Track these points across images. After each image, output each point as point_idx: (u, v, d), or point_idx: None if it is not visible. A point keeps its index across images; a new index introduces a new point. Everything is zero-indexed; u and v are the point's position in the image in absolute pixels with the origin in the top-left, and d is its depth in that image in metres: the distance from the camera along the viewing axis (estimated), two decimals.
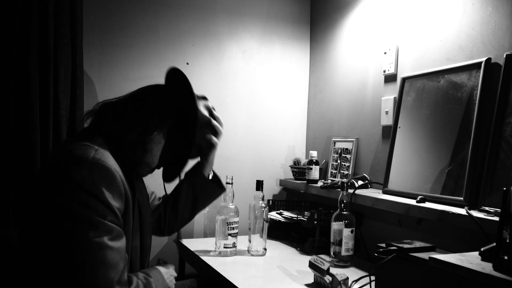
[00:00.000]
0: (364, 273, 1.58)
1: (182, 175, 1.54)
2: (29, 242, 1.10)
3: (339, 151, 2.17)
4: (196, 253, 1.87)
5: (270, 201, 2.34)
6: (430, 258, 0.99)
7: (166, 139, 1.29)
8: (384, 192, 1.77)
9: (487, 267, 0.89)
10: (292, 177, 2.37)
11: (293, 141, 2.52)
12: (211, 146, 1.53)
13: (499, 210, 1.20)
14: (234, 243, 1.86)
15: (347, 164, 2.10)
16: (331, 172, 2.20)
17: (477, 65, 1.49)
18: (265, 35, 2.43)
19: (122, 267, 1.07)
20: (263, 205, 1.88)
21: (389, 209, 1.62)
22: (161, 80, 2.17)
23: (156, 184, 1.52)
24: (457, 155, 1.51)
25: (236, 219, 1.87)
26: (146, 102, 1.28)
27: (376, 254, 1.23)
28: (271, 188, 2.45)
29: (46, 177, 1.11)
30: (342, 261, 1.71)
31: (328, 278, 1.43)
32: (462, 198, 1.43)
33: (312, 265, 1.51)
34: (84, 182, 1.05)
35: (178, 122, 1.30)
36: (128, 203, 1.17)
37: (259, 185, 1.90)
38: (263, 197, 1.90)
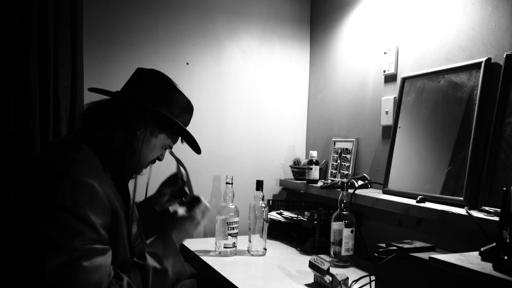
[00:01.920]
0: (364, 273, 1.58)
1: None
2: (11, 253, 1.10)
3: (339, 151, 2.17)
4: (196, 253, 1.87)
5: (270, 201, 2.34)
6: (430, 258, 0.99)
7: (157, 134, 1.26)
8: (384, 192, 1.77)
9: (487, 267, 0.89)
10: (292, 177, 2.37)
11: (293, 141, 2.52)
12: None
13: (499, 210, 1.20)
14: (234, 243, 1.86)
15: (347, 164, 2.10)
16: (331, 172, 2.20)
17: (477, 65, 1.49)
18: (265, 35, 2.43)
19: (105, 284, 1.04)
20: (263, 205, 1.88)
21: (389, 209, 1.62)
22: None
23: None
24: (457, 155, 1.51)
25: (236, 219, 1.87)
26: (124, 102, 1.24)
27: (376, 254, 1.23)
28: (271, 188, 2.45)
29: (29, 192, 1.09)
30: (342, 261, 1.71)
31: (328, 278, 1.43)
32: (462, 198, 1.43)
33: (312, 265, 1.51)
34: (65, 200, 1.02)
35: (158, 117, 1.25)
36: (117, 216, 1.13)
37: (259, 185, 1.90)
38: (263, 197, 1.90)
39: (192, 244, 2.00)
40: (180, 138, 1.36)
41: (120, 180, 1.24)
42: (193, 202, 1.38)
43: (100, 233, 1.06)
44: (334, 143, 2.22)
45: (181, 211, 1.33)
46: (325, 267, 1.45)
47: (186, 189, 1.43)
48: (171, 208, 1.43)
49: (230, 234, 1.85)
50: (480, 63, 1.47)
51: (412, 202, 1.53)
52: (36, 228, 1.02)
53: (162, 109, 1.24)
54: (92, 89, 1.29)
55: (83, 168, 1.08)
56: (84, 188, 1.05)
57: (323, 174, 2.25)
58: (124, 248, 1.18)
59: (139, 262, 1.14)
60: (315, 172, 2.15)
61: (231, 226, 1.85)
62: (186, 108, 1.31)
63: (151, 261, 1.15)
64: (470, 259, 0.95)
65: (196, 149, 1.39)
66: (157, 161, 1.35)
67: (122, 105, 1.23)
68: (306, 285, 1.51)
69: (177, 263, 1.21)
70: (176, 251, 1.23)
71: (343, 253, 1.71)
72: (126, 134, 1.20)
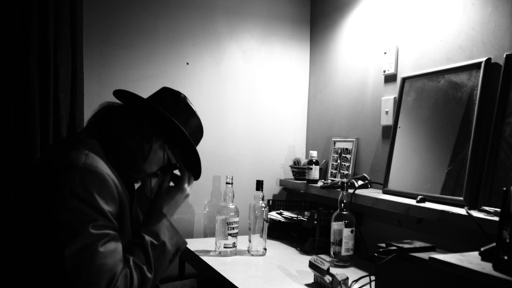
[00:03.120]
0: (364, 273, 1.58)
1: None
2: (21, 245, 1.11)
3: (339, 151, 2.17)
4: (196, 253, 1.87)
5: (270, 201, 2.34)
6: (430, 258, 0.99)
7: (164, 150, 1.30)
8: (384, 192, 1.77)
9: (487, 267, 0.89)
10: (292, 177, 2.37)
11: (293, 141, 2.52)
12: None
13: (499, 210, 1.20)
14: (234, 243, 1.86)
15: (347, 164, 2.10)
16: (331, 172, 2.20)
17: (477, 65, 1.49)
18: (265, 35, 2.43)
19: (120, 268, 1.07)
20: (263, 205, 1.88)
21: (389, 209, 1.62)
22: (161, 80, 2.15)
23: None
24: (457, 155, 1.51)
25: (236, 219, 1.87)
26: (145, 114, 1.28)
27: (376, 254, 1.23)
28: (271, 188, 2.45)
29: (38, 183, 1.11)
30: (342, 261, 1.71)
31: (328, 278, 1.43)
32: (462, 198, 1.44)
33: (312, 265, 1.51)
34: (76, 189, 1.05)
35: (169, 138, 1.30)
36: (124, 206, 1.16)
37: (259, 185, 1.90)
38: (263, 197, 1.90)
39: (192, 244, 2.00)
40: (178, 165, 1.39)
41: (125, 176, 1.25)
42: (173, 169, 1.38)
43: (111, 221, 1.10)
44: (334, 143, 2.22)
45: (166, 183, 1.35)
46: (325, 267, 1.45)
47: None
48: (155, 182, 1.46)
49: (230, 234, 1.85)
50: (480, 63, 1.47)
51: (412, 202, 1.53)
52: (50, 218, 1.04)
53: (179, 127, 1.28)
54: (118, 91, 1.31)
55: (92, 158, 1.11)
56: (93, 176, 1.08)
57: (323, 174, 2.25)
58: (128, 237, 1.20)
59: (137, 241, 1.18)
60: (315, 172, 2.15)
61: (231, 226, 1.85)
62: (198, 133, 1.38)
63: (148, 238, 1.18)
64: (470, 259, 0.95)
65: (196, 173, 1.41)
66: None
67: (143, 110, 1.28)
68: (306, 285, 1.51)
69: (174, 235, 1.25)
70: (170, 224, 1.26)
71: (343, 253, 1.71)
72: (140, 139, 1.25)
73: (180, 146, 1.33)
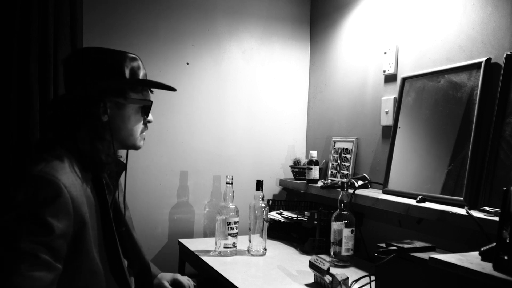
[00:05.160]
0: (364, 273, 1.58)
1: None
2: None
3: (339, 151, 2.17)
4: (196, 253, 1.87)
5: (270, 201, 2.34)
6: (430, 258, 0.99)
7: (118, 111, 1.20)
8: (384, 192, 1.77)
9: (487, 267, 0.89)
10: (292, 177, 2.37)
11: (293, 141, 2.52)
12: None
13: (499, 210, 1.20)
14: (234, 243, 1.86)
15: (347, 164, 2.10)
16: (331, 172, 2.20)
17: (477, 65, 1.49)
18: (265, 35, 2.43)
19: None
20: (263, 205, 1.88)
21: (389, 209, 1.63)
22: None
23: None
24: (457, 155, 1.51)
25: (236, 219, 1.87)
26: (73, 100, 1.17)
27: (376, 254, 1.23)
28: (271, 188, 2.45)
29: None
30: (342, 261, 1.71)
31: (328, 278, 1.43)
32: (462, 198, 1.44)
33: (312, 265, 1.51)
34: (26, 201, 0.98)
35: (110, 90, 1.18)
36: (84, 222, 1.07)
37: (259, 185, 1.90)
38: (263, 197, 1.90)
39: (192, 244, 2.00)
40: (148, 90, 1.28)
41: (99, 181, 1.18)
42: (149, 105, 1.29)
43: (54, 239, 0.99)
44: (334, 143, 2.22)
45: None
46: (325, 267, 1.45)
47: None
48: None
49: (230, 234, 1.85)
50: (480, 63, 1.47)
51: (412, 202, 1.54)
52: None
53: (109, 79, 1.18)
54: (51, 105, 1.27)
55: (50, 167, 1.04)
56: (49, 188, 1.01)
57: (323, 174, 2.25)
58: (89, 259, 1.10)
59: None
60: (315, 172, 2.15)
61: (231, 226, 1.85)
62: (128, 60, 1.21)
63: None
64: (470, 259, 0.95)
65: (169, 88, 1.30)
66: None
67: (71, 107, 1.16)
68: (306, 285, 1.51)
69: None
70: None
71: (343, 253, 1.71)
72: (91, 136, 1.15)
73: (129, 88, 1.21)
